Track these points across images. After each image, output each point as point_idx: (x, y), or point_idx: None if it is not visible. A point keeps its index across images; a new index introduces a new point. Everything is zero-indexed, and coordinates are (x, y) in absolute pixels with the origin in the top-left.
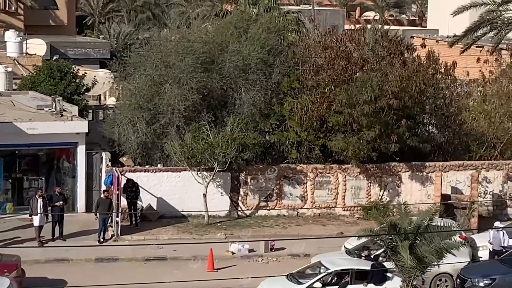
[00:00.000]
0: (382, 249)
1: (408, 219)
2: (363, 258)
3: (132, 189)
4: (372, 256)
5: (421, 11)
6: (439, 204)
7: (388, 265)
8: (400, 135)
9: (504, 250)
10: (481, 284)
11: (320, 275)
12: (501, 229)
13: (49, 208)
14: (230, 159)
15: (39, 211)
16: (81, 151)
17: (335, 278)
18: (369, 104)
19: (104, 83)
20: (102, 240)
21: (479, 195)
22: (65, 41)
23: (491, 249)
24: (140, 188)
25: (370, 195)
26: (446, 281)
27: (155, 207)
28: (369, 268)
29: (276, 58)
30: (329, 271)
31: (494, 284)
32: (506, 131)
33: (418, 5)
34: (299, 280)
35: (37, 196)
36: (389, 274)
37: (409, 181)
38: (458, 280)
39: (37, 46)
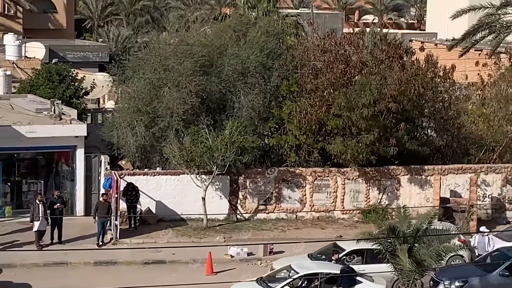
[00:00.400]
0: (344, 253)
1: (407, 222)
2: (333, 261)
3: (132, 193)
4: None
5: (419, 15)
6: (438, 207)
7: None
8: (399, 138)
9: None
10: (453, 286)
11: (290, 279)
12: (486, 234)
13: (48, 211)
14: (229, 162)
15: (40, 216)
16: (80, 154)
17: (305, 282)
18: (368, 107)
19: (103, 86)
20: (101, 243)
21: (478, 198)
22: (64, 44)
23: (476, 254)
24: (140, 191)
25: (369, 198)
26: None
27: (154, 211)
28: (338, 272)
29: (275, 62)
30: (298, 275)
31: (465, 286)
32: (504, 135)
33: (417, 9)
34: (269, 284)
35: (37, 201)
36: (359, 278)
37: (408, 184)
38: (432, 282)
39: (36, 50)
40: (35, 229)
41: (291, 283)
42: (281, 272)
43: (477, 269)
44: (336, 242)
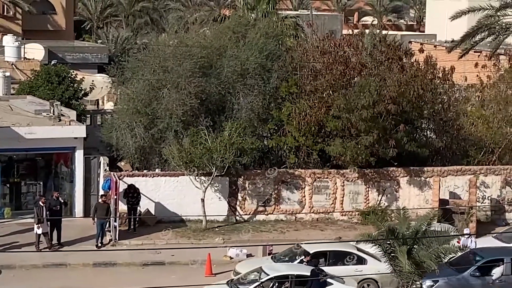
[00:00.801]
0: (304, 255)
1: (406, 224)
2: (304, 263)
3: (133, 195)
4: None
5: (419, 16)
6: (437, 209)
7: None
8: (398, 140)
9: None
10: (424, 286)
11: (260, 281)
12: (468, 236)
13: (47, 212)
14: (228, 163)
15: (45, 218)
16: (79, 155)
17: (276, 284)
18: (367, 109)
19: (102, 87)
20: (100, 244)
21: (477, 200)
22: (63, 45)
23: None
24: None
25: (368, 200)
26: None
27: (153, 212)
28: (309, 274)
29: (274, 63)
30: (269, 277)
31: (436, 286)
32: (504, 136)
33: (416, 10)
34: (239, 286)
35: (41, 203)
36: (329, 280)
37: (407, 186)
38: None
39: (35, 51)
40: (40, 231)
41: (261, 285)
42: (252, 274)
43: (448, 269)
44: (300, 244)
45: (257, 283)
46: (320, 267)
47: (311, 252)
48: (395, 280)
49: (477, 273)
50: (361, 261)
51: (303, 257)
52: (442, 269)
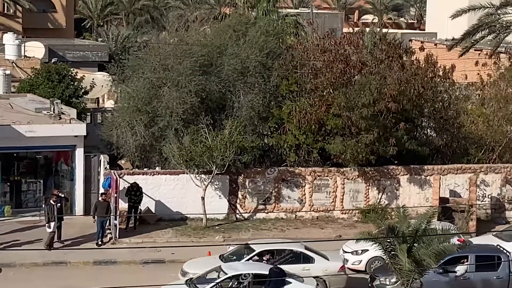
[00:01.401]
0: (254, 253)
1: (406, 222)
2: (264, 262)
3: (136, 193)
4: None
5: (419, 14)
6: (437, 207)
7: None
8: (398, 138)
9: None
10: (387, 282)
11: (218, 280)
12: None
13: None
14: (228, 162)
15: (56, 216)
16: (79, 154)
17: (235, 283)
18: (368, 107)
19: (102, 86)
20: (100, 243)
21: (478, 198)
22: (64, 44)
23: None
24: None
25: (368, 198)
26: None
27: (153, 210)
28: (267, 272)
29: (275, 61)
30: (227, 275)
31: (399, 282)
32: (504, 135)
33: (417, 8)
34: (197, 286)
35: (52, 202)
36: (288, 279)
37: (408, 184)
38: (369, 278)
39: (36, 49)
40: (50, 230)
41: (219, 284)
42: (211, 273)
43: None
44: (248, 243)
45: (213, 283)
46: (279, 266)
47: (257, 250)
48: (343, 279)
49: (441, 270)
50: (308, 260)
51: (251, 255)
52: None
